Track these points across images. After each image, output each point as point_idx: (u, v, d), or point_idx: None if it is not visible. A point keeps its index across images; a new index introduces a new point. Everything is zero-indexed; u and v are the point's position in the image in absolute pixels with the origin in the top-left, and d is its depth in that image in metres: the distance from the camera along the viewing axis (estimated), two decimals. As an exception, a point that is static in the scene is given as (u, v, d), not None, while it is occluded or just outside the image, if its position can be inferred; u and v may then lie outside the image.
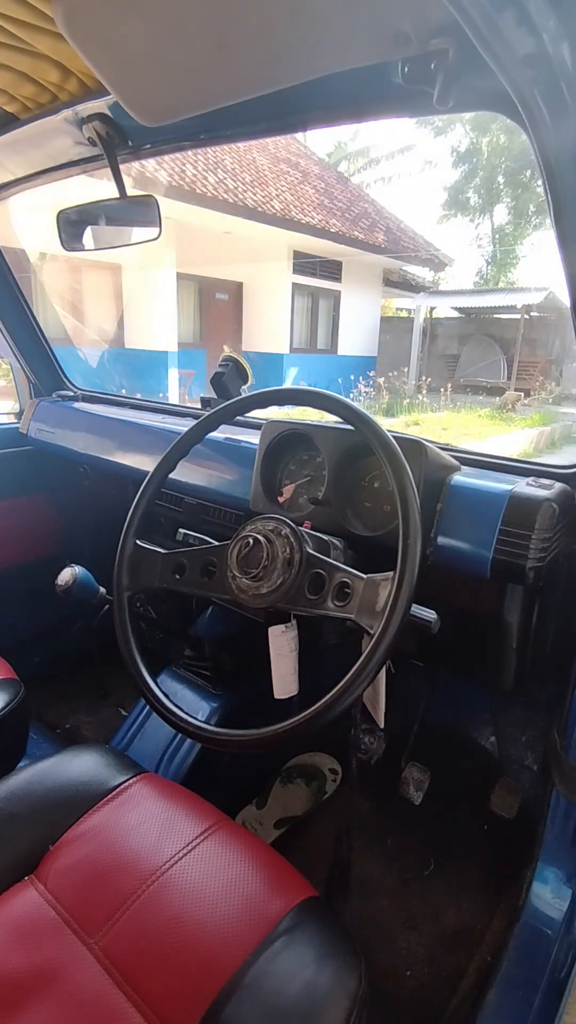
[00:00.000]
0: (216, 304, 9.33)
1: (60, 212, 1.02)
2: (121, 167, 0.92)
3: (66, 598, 1.19)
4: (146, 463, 1.13)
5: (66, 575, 1.18)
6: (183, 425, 0.98)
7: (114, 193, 0.94)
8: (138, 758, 0.92)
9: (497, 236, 16.98)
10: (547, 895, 0.91)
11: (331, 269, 10.09)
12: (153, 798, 0.82)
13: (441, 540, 0.78)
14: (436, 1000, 0.97)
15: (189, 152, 6.06)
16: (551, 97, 0.48)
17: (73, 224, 1.04)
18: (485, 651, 0.90)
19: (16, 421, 1.52)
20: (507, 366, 11.33)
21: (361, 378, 9.54)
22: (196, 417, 0.88)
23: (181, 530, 1.17)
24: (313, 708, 0.63)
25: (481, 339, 11.77)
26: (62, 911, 0.69)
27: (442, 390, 9.76)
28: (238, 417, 0.87)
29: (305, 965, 0.63)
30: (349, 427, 0.74)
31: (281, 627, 0.83)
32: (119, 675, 1.72)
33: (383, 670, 0.70)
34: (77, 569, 1.19)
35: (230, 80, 0.67)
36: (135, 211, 1.00)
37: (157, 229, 0.95)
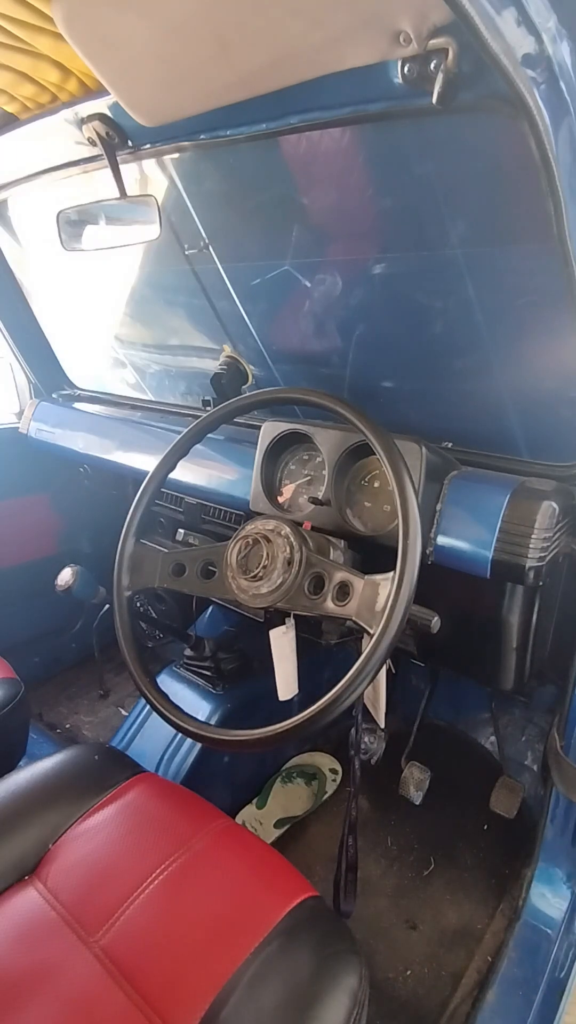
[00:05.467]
0: None
1: (60, 212, 1.02)
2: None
3: (66, 598, 1.19)
4: (146, 463, 1.13)
5: (66, 575, 1.18)
6: (183, 425, 0.98)
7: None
8: (138, 758, 0.92)
9: None
10: (547, 895, 0.91)
11: None
12: (153, 798, 0.82)
13: (441, 540, 0.78)
14: (436, 1000, 0.97)
15: None
16: (551, 97, 0.49)
17: (73, 224, 1.04)
18: (485, 651, 0.90)
19: (16, 421, 1.52)
20: None
21: None
22: (196, 418, 0.88)
23: (181, 530, 1.17)
24: (313, 708, 0.63)
25: None
26: (62, 911, 0.69)
27: None
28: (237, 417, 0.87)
29: (305, 965, 0.63)
30: (349, 427, 0.74)
31: (282, 628, 0.83)
32: (119, 675, 1.73)
33: (383, 670, 0.70)
34: (77, 569, 1.19)
35: (230, 80, 0.67)
36: (135, 211, 1.00)
37: (158, 228, 0.95)
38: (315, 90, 0.64)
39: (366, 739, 1.38)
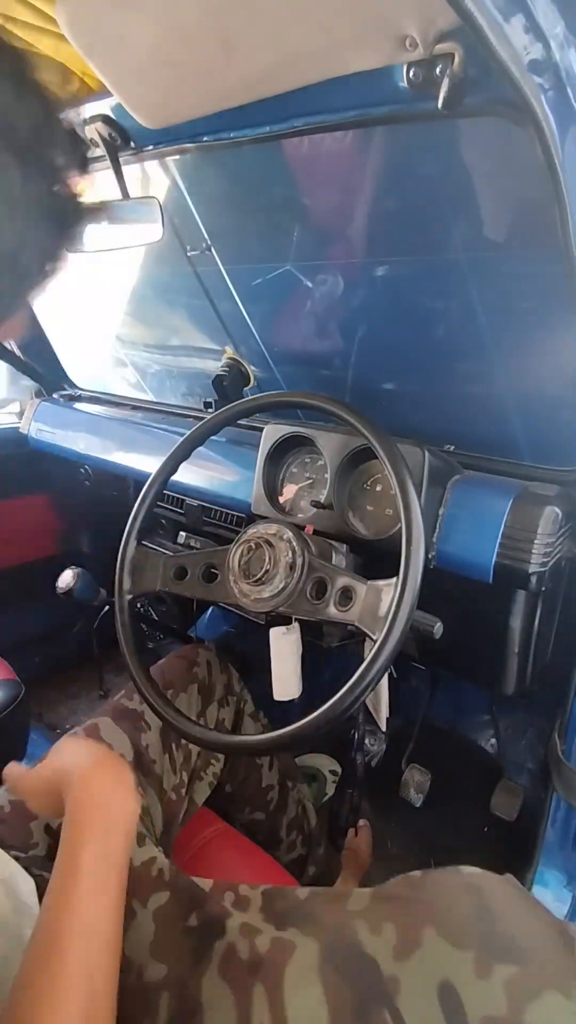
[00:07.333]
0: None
1: (62, 213, 1.02)
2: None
3: (66, 599, 1.19)
4: (147, 465, 1.13)
5: (67, 578, 1.18)
6: (184, 427, 0.98)
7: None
8: (139, 760, 0.92)
9: None
10: (547, 898, 0.91)
11: None
12: (154, 801, 0.82)
13: (443, 545, 0.78)
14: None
15: None
16: (558, 104, 0.48)
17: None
18: (486, 655, 0.90)
19: (17, 421, 1.52)
20: None
21: None
22: (197, 419, 0.88)
23: (182, 533, 1.17)
24: (313, 715, 0.63)
25: None
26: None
27: None
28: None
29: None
30: (351, 430, 0.74)
31: (282, 629, 0.83)
32: (119, 675, 1.73)
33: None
34: (78, 571, 1.19)
35: (234, 83, 0.66)
36: (138, 212, 1.00)
37: (160, 229, 0.95)
38: (320, 93, 0.64)
39: (366, 741, 1.38)
